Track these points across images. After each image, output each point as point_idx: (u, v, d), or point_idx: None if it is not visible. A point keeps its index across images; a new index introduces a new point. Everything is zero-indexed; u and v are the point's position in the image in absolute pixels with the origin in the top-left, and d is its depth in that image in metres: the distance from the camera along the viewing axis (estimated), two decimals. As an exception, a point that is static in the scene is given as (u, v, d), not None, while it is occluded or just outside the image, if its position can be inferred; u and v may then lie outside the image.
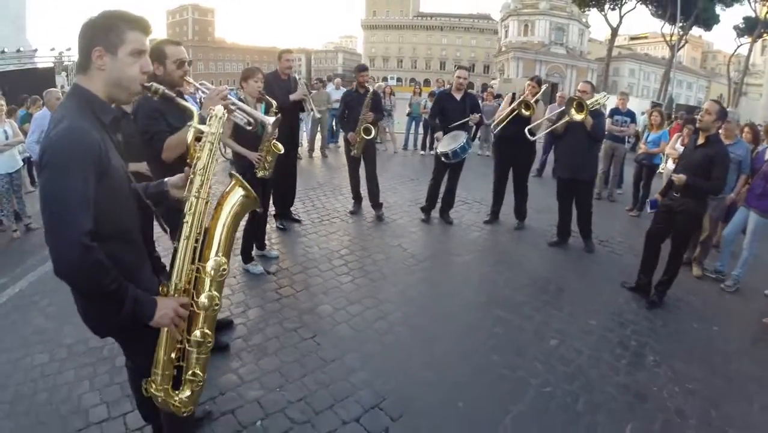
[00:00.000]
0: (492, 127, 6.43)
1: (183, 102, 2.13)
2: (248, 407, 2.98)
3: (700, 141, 4.45)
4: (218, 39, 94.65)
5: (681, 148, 5.79)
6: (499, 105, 8.11)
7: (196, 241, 1.87)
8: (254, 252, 5.04)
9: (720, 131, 4.69)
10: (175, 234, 1.92)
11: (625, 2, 45.74)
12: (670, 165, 6.29)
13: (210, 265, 1.88)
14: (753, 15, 40.84)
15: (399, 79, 75.98)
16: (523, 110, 6.08)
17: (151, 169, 3.24)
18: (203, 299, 1.86)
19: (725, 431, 3.04)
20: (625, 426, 3.01)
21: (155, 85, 1.89)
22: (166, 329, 1.82)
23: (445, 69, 72.88)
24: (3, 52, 16.90)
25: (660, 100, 32.16)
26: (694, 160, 4.41)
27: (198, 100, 3.89)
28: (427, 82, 52.20)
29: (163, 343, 1.87)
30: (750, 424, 3.14)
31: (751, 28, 41.40)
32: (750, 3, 40.37)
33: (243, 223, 4.62)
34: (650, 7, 44.91)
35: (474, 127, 6.30)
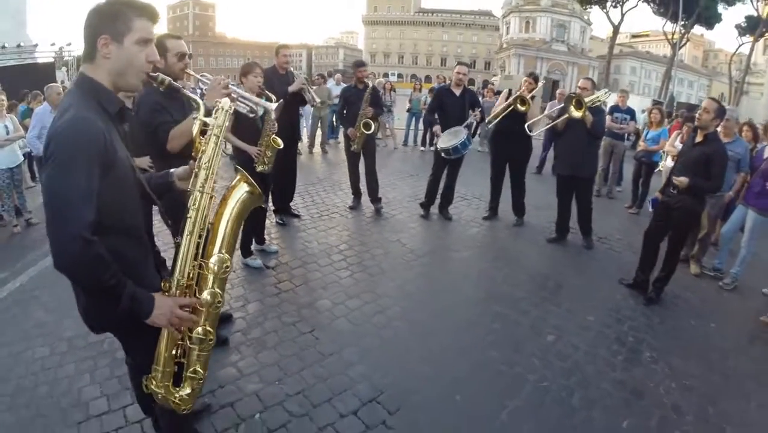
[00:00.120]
0: (484, 124, 6.42)
1: (189, 93, 2.13)
2: (247, 400, 3.01)
3: (699, 139, 4.46)
4: (219, 34, 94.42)
5: (680, 146, 5.80)
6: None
7: (200, 237, 1.85)
8: (253, 247, 5.06)
9: (719, 129, 4.70)
10: (176, 228, 1.91)
11: (627, 0, 45.64)
12: (669, 162, 6.30)
13: (213, 261, 1.86)
14: (755, 14, 40.78)
15: (400, 75, 75.67)
16: (518, 106, 6.08)
17: (154, 163, 3.26)
18: (206, 294, 1.85)
19: (722, 428, 3.06)
20: (621, 422, 3.03)
21: (161, 75, 1.88)
22: None
23: (446, 65, 72.60)
24: (3, 47, 16.84)
25: (661, 98, 32.14)
26: (691, 158, 4.42)
27: (199, 96, 3.90)
28: (428, 79, 52.11)
29: (164, 340, 1.85)
30: (747, 421, 3.16)
31: (752, 27, 41.33)
32: (752, 2, 40.40)
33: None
34: (652, 5, 44.81)
35: (474, 123, 6.28)
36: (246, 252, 4.86)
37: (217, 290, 1.87)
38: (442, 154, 6.17)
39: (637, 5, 45.75)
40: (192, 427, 2.57)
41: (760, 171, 5.10)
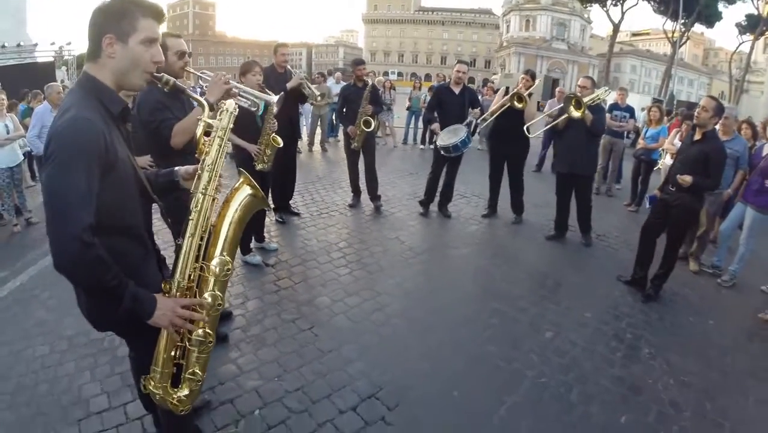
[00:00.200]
0: (479, 120, 6.42)
1: (193, 94, 2.12)
2: (247, 396, 3.02)
3: (697, 137, 4.46)
4: (219, 33, 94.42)
5: (679, 144, 5.81)
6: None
7: (201, 238, 1.84)
8: (253, 244, 5.07)
9: (717, 127, 4.71)
10: (176, 227, 1.90)
11: (627, -2, 45.66)
12: (668, 160, 6.30)
13: (214, 264, 1.85)
14: (755, 12, 40.77)
15: (400, 74, 75.73)
16: (515, 103, 6.09)
17: (155, 161, 3.27)
18: (207, 297, 1.84)
19: (720, 423, 3.07)
20: (619, 417, 3.04)
21: (166, 76, 1.86)
22: None
23: (446, 64, 72.53)
24: (3, 46, 16.86)
25: (661, 96, 32.11)
26: (690, 156, 4.43)
27: (199, 94, 3.90)
28: (428, 77, 52.17)
29: (163, 340, 1.84)
30: (745, 417, 3.17)
31: (753, 25, 41.35)
32: (752, 1, 40.33)
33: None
34: (652, 3, 44.85)
35: (474, 121, 6.29)
36: (245, 249, 4.87)
37: (218, 293, 1.86)
38: (442, 152, 6.17)
39: (637, 3, 45.83)
40: (192, 423, 2.58)
41: (758, 169, 5.11)
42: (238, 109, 2.04)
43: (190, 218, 1.82)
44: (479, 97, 8.04)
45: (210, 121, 1.94)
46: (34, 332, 3.69)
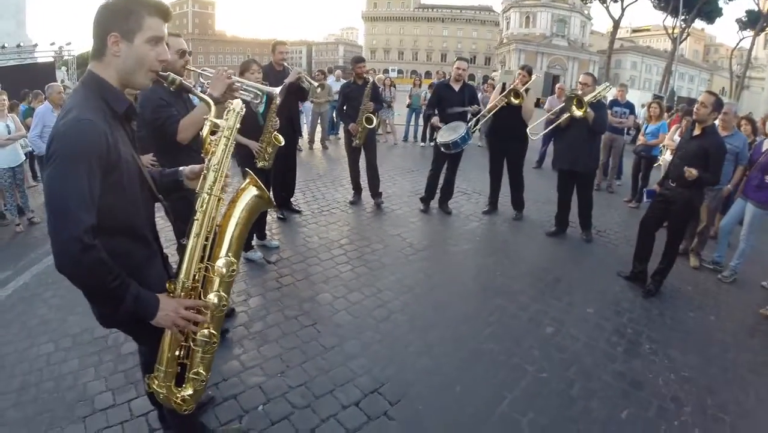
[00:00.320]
0: (474, 123, 6.41)
1: (199, 93, 2.11)
2: (250, 392, 3.04)
3: (697, 132, 4.47)
4: (218, 32, 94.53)
5: (679, 140, 5.82)
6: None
7: (206, 239, 1.84)
8: (255, 242, 5.09)
9: (717, 123, 4.71)
10: (181, 226, 1.89)
11: (627, -6, 45.58)
12: (668, 156, 6.32)
13: (219, 265, 1.85)
14: (755, 8, 40.68)
15: (400, 72, 75.66)
16: (512, 99, 6.10)
17: (158, 159, 3.28)
18: (212, 297, 1.83)
19: (721, 418, 3.08)
20: (620, 412, 3.06)
21: (172, 75, 1.85)
22: None
23: (447, 61, 72.45)
24: (3, 47, 16.88)
25: (662, 92, 32.11)
26: (690, 151, 4.43)
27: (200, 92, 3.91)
28: (428, 74, 52.05)
29: (167, 340, 1.84)
30: (745, 412, 3.18)
31: (753, 21, 41.30)
32: (753, -4, 40.26)
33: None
34: (653, -1, 44.76)
35: (471, 117, 6.30)
36: (246, 246, 4.89)
37: (223, 293, 1.86)
38: (442, 149, 6.19)
39: (637, 0, 45.65)
40: (197, 420, 2.60)
41: (758, 164, 5.11)
42: (245, 110, 2.03)
43: (195, 218, 1.81)
44: (479, 95, 8.04)
45: (217, 120, 1.93)
46: (38, 331, 3.71)
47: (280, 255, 5.14)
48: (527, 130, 6.22)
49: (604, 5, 47.57)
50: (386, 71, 50.82)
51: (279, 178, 5.79)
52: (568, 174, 5.97)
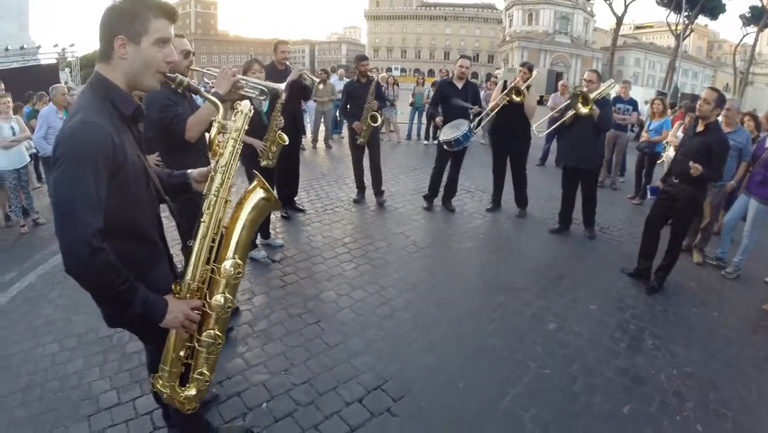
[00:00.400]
0: (479, 117, 6.41)
1: (206, 94, 2.12)
2: (254, 389, 3.06)
3: (700, 128, 4.47)
4: (221, 32, 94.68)
5: (682, 136, 5.81)
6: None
7: (213, 241, 1.84)
8: (259, 241, 5.11)
9: (720, 119, 4.71)
10: (188, 227, 1.90)
11: (630, -9, 45.43)
12: (672, 153, 6.31)
13: (225, 267, 1.85)
14: (759, 4, 40.47)
15: (403, 70, 75.48)
16: (514, 97, 6.10)
17: (163, 159, 3.29)
18: (218, 299, 1.84)
19: (723, 414, 3.08)
20: (622, 407, 3.07)
21: (180, 76, 1.85)
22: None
23: (449, 59, 72.31)
24: (6, 49, 16.96)
25: (665, 89, 32.02)
26: (693, 148, 4.43)
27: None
28: (431, 73, 52.01)
29: (172, 340, 1.85)
30: (748, 407, 3.19)
31: (757, 17, 41.10)
32: (757, -8, 40.07)
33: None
34: (655, -5, 44.60)
35: (474, 118, 6.31)
36: (251, 245, 4.91)
37: (228, 295, 1.86)
38: (444, 147, 6.20)
39: (640, -4, 45.59)
40: (201, 417, 2.61)
41: (761, 160, 5.10)
42: (252, 111, 2.03)
43: (202, 220, 1.82)
44: (482, 93, 8.04)
45: (225, 122, 1.94)
46: (43, 331, 3.74)
47: (284, 254, 5.16)
48: (533, 127, 6.22)
49: (607, 2, 47.42)
50: (389, 70, 50.83)
51: (282, 178, 5.80)
52: (572, 171, 5.97)
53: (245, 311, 4.00)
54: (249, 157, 4.53)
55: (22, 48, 17.71)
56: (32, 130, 6.35)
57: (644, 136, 8.08)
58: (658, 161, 7.79)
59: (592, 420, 2.96)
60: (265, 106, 4.66)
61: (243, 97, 2.75)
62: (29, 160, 6.49)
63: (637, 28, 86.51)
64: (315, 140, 11.80)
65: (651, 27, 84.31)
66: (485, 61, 78.77)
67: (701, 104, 4.40)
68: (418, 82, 13.61)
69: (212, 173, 1.88)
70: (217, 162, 1.88)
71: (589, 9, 68.61)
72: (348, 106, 6.68)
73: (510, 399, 3.07)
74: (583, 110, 5.43)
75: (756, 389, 3.36)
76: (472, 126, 6.15)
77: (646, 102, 12.95)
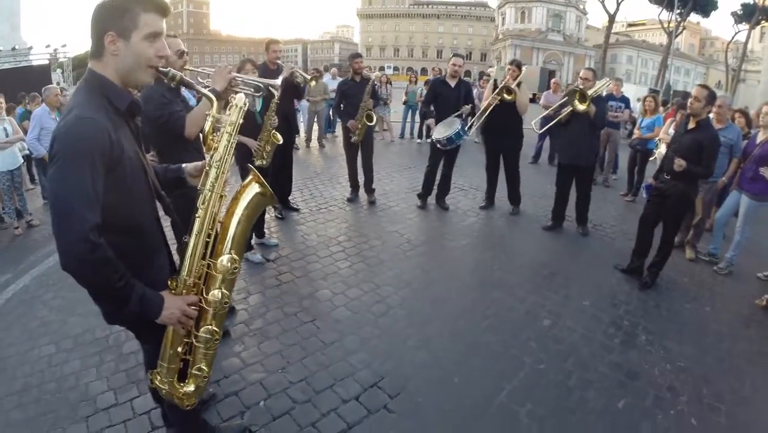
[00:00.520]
0: (468, 126, 6.43)
1: (203, 90, 2.11)
2: (251, 388, 3.07)
3: (691, 125, 4.50)
4: (213, 32, 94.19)
5: (674, 133, 5.85)
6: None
7: (208, 236, 1.83)
8: (253, 240, 5.11)
9: (711, 116, 4.74)
10: (185, 226, 1.89)
11: (623, -12, 45.54)
12: (663, 150, 6.35)
13: (222, 261, 1.84)
14: (751, 1, 40.68)
15: (396, 69, 75.33)
16: (505, 96, 6.13)
17: (159, 155, 3.28)
18: (215, 294, 1.84)
19: (717, 407, 3.12)
20: (616, 402, 3.10)
21: (173, 71, 1.83)
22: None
23: (442, 57, 72.27)
24: (-1, 51, 16.92)
25: (658, 86, 32.12)
26: (684, 144, 4.46)
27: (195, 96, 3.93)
28: (424, 71, 51.99)
29: (169, 337, 1.85)
30: (741, 400, 3.22)
31: (749, 14, 41.30)
32: (747, -11, 40.27)
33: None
34: (648, -8, 44.70)
35: (464, 114, 6.32)
36: (247, 246, 4.90)
37: (225, 291, 1.86)
38: (438, 145, 6.22)
39: (632, -7, 45.66)
40: (199, 416, 2.62)
41: (752, 157, 5.14)
42: (247, 105, 2.03)
43: (197, 215, 1.81)
44: (474, 91, 8.06)
45: (218, 115, 1.93)
46: (39, 333, 3.73)
47: (279, 253, 5.17)
48: (530, 125, 6.22)
49: (600, 0, 47.55)
50: (382, 68, 50.80)
51: (277, 177, 5.79)
52: (568, 168, 6.00)
53: (241, 310, 4.00)
54: (243, 157, 4.53)
55: (13, 49, 17.63)
56: (25, 131, 6.33)
57: (636, 133, 8.12)
58: (651, 158, 7.84)
59: (587, 415, 2.99)
60: (258, 106, 4.66)
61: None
62: (22, 161, 6.45)
63: (630, 25, 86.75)
64: (309, 140, 11.78)
65: (643, 24, 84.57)
66: (478, 59, 78.79)
67: (692, 101, 4.43)
68: (410, 80, 13.61)
69: (207, 168, 1.87)
70: (211, 157, 1.87)
71: (581, 7, 68.88)
72: (342, 105, 6.68)
73: (505, 395, 3.10)
74: (581, 107, 5.47)
75: (749, 383, 3.40)
76: (464, 124, 6.17)
77: (638, 99, 13.01)
